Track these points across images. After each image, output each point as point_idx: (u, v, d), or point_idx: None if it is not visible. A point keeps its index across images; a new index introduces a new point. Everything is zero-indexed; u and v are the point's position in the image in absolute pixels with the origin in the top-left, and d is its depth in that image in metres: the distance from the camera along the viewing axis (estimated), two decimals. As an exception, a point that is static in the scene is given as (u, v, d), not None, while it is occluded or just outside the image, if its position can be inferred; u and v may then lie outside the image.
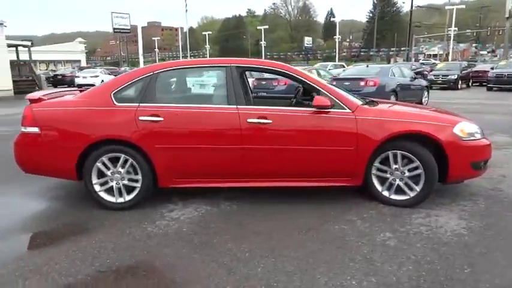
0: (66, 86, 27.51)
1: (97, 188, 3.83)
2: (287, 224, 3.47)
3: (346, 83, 10.29)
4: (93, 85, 25.02)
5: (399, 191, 3.78)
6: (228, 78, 3.78)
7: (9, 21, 21.79)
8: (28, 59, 24.12)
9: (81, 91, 4.32)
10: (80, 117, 3.79)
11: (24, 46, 24.01)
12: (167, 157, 3.75)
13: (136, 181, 3.81)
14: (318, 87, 3.79)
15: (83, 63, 51.65)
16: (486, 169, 4.11)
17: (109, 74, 26.53)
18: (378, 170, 3.81)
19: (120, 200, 3.84)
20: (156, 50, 68.21)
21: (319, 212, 3.71)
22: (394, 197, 3.79)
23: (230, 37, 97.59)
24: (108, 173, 3.79)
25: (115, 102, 3.79)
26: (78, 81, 25.90)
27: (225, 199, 4.07)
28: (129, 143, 3.72)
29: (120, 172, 3.79)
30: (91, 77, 25.59)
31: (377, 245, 3.06)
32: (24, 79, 23.08)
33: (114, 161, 3.79)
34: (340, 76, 12.08)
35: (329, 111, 3.68)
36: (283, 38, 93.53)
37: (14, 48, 23.40)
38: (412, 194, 3.76)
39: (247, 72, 4.79)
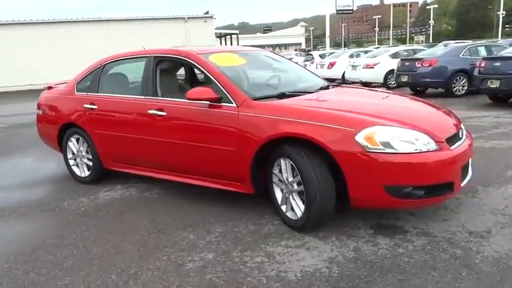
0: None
1: (71, 162, 4.57)
2: (163, 223, 3.35)
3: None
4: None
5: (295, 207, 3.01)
6: (145, 69, 3.81)
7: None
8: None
9: None
10: (56, 103, 4.58)
11: (232, 34, 27.75)
12: (102, 142, 4.13)
13: (91, 160, 4.35)
14: (212, 77, 3.35)
15: (303, 46, 55.40)
16: (435, 199, 2.76)
17: (305, 55, 27.77)
18: (279, 179, 3.12)
19: (84, 175, 4.47)
20: (376, 28, 66.04)
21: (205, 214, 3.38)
22: (288, 214, 3.05)
23: (472, 8, 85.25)
24: (75, 151, 4.47)
25: (75, 91, 4.40)
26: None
27: (162, 187, 4.15)
28: (80, 127, 4.28)
29: (81, 151, 4.41)
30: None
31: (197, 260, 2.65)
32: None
33: (81, 141, 4.41)
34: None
35: (221, 106, 3.23)
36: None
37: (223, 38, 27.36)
38: (299, 215, 2.94)
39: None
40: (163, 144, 3.59)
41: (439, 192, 2.74)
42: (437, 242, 2.72)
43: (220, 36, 30.16)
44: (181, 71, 4.50)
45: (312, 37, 50.69)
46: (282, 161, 2.97)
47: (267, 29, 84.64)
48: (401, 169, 2.62)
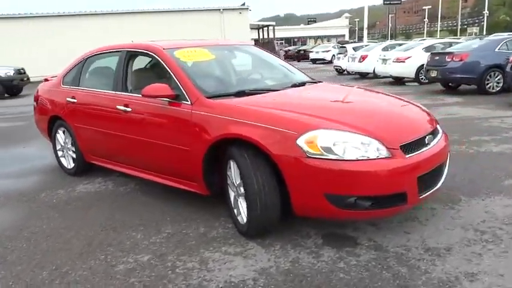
0: (306, 60, 29.97)
1: (59, 154, 4.68)
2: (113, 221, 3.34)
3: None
4: (324, 59, 26.42)
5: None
6: (118, 64, 3.78)
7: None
8: (272, 37, 27.50)
9: None
10: (47, 96, 4.68)
11: (269, 26, 27.47)
12: (81, 135, 4.18)
13: (75, 153, 4.43)
14: (171, 73, 3.25)
15: (346, 38, 53.97)
16: (384, 211, 2.52)
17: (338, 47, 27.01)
18: (232, 181, 2.98)
19: (69, 166, 4.56)
20: (425, 19, 62.92)
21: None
22: (238, 218, 2.91)
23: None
24: (62, 143, 4.57)
25: (61, 84, 4.47)
26: (311, 56, 27.70)
27: (138, 183, 4.14)
28: (64, 120, 4.35)
29: (67, 143, 4.49)
30: (323, 51, 26.80)
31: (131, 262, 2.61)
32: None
33: (66, 134, 4.50)
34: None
35: (180, 103, 3.13)
36: None
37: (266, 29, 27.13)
38: (245, 220, 2.80)
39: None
40: (129, 140, 3.56)
41: (389, 203, 2.49)
42: (385, 258, 2.48)
43: (258, 28, 30.01)
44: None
45: (357, 29, 49.10)
46: (231, 162, 2.83)
47: (311, 20, 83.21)
48: (344, 177, 2.40)
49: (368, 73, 15.47)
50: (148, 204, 3.58)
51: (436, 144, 2.79)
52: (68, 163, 4.56)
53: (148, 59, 3.77)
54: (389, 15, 64.90)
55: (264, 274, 2.38)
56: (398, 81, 13.43)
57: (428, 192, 2.69)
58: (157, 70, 3.38)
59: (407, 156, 2.50)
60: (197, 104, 2.99)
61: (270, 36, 27.96)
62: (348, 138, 2.44)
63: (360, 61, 15.27)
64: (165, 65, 3.31)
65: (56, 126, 4.56)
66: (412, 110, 3.11)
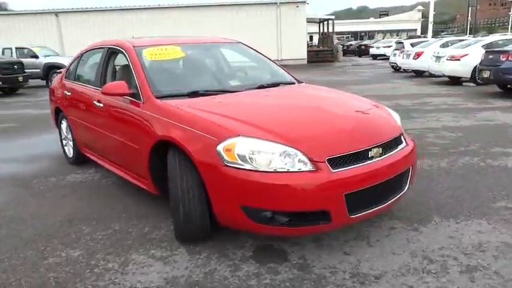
0: (367, 56, 28.81)
1: (64, 143, 4.96)
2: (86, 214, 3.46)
3: None
4: (384, 55, 25.21)
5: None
6: (100, 60, 3.89)
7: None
8: (331, 31, 26.75)
9: None
10: (54, 88, 4.97)
11: (329, 20, 26.72)
12: (74, 127, 4.38)
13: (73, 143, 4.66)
14: (133, 71, 3.25)
15: (418, 32, 50.89)
16: (305, 228, 2.32)
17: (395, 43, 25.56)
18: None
19: (70, 155, 4.82)
20: (511, 12, 57.17)
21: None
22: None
23: None
24: (65, 133, 4.83)
25: (64, 78, 4.71)
26: (371, 51, 26.57)
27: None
28: (63, 112, 4.59)
29: (68, 133, 4.75)
30: (384, 47, 25.58)
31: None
32: (325, 49, 26.08)
33: (66, 124, 4.75)
34: None
35: (136, 102, 3.13)
36: None
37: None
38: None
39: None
40: (101, 134, 3.66)
41: (309, 221, 2.29)
42: (302, 279, 2.29)
43: (319, 21, 29.38)
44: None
45: (431, 22, 45.92)
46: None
47: (383, 13, 79.70)
48: (259, 190, 2.24)
49: (424, 71, 14.45)
50: (116, 198, 3.65)
51: (385, 157, 2.51)
52: (69, 152, 4.81)
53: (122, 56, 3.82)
54: (470, 8, 59.97)
55: (171, 283, 2.31)
56: (455, 80, 12.37)
57: (366, 212, 2.43)
58: (127, 67, 3.41)
59: (334, 170, 2.27)
60: (147, 103, 2.98)
61: (329, 31, 27.19)
62: (267, 148, 2.27)
63: (414, 58, 14.31)
64: (129, 63, 3.34)
65: (60, 117, 4.83)
66: (368, 118, 2.81)
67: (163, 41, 3.67)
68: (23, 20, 22.80)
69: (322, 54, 25.21)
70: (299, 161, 2.25)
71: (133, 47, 3.46)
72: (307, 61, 23.30)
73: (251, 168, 2.24)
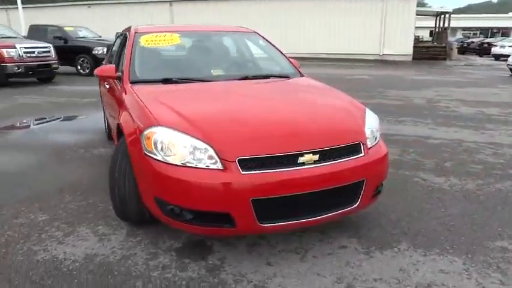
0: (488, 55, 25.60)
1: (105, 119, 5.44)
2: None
3: None
4: (508, 56, 22.07)
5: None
6: (121, 44, 4.12)
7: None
8: (446, 26, 24.23)
9: None
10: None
11: (446, 14, 24.20)
12: (103, 104, 4.77)
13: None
14: (124, 55, 3.39)
15: None
16: (209, 229, 2.20)
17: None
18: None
19: (106, 131, 5.26)
20: None
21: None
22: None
23: None
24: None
25: (106, 60, 5.13)
26: (493, 50, 23.47)
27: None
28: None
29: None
30: (509, 46, 22.33)
31: None
32: (437, 45, 23.79)
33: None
34: None
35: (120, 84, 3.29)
36: None
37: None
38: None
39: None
40: (107, 113, 3.92)
41: (213, 222, 2.17)
42: (201, 281, 2.19)
43: (436, 15, 26.86)
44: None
45: None
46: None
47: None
48: (166, 183, 2.19)
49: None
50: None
51: (320, 166, 2.22)
52: (106, 127, 5.25)
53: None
54: None
55: (86, 260, 2.40)
56: None
57: (284, 223, 2.20)
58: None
59: (243, 172, 2.10)
60: (122, 87, 3.10)
61: (443, 25, 24.59)
62: (180, 140, 2.20)
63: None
64: (125, 48, 3.49)
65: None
66: (315, 122, 2.50)
67: (167, 28, 3.74)
68: (135, 8, 24.77)
69: (432, 50, 22.99)
70: (209, 157, 2.14)
71: (135, 33, 3.60)
72: (413, 57, 21.49)
73: (162, 160, 2.20)
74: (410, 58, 21.51)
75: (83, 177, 3.83)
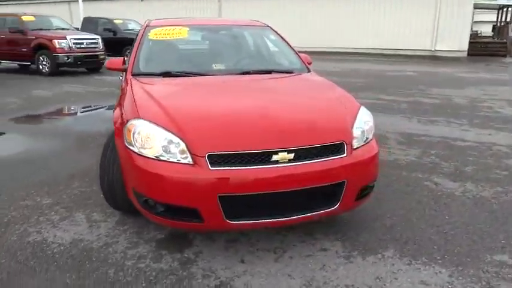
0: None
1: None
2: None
3: None
4: None
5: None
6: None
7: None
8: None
9: None
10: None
11: (509, 6, 22.45)
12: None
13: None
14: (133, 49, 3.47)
15: None
16: (178, 222, 2.20)
17: None
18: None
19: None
20: None
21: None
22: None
23: None
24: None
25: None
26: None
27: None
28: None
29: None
30: None
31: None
32: (497, 41, 22.23)
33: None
34: None
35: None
36: None
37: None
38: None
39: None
40: None
41: (182, 216, 2.18)
42: (170, 274, 2.22)
43: (499, 8, 25.05)
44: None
45: None
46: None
47: None
48: (141, 175, 2.23)
49: None
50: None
51: (295, 165, 2.16)
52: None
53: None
54: None
55: (72, 245, 2.51)
56: None
57: (252, 221, 2.17)
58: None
59: (212, 168, 2.09)
60: (126, 78, 3.17)
61: (506, 19, 22.81)
62: (155, 134, 2.22)
63: None
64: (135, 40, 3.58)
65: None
66: (296, 119, 2.43)
67: (179, 22, 3.78)
68: (184, 3, 25.15)
69: (491, 46, 21.45)
70: (181, 152, 2.15)
71: (146, 26, 3.68)
72: (469, 54, 20.19)
73: (137, 152, 2.24)
74: (465, 54, 20.23)
75: (96, 165, 3.99)
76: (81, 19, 18.60)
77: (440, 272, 2.26)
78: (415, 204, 3.12)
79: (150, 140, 2.22)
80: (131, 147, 2.28)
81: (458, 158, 4.20)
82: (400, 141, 4.83)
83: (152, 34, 3.55)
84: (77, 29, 14.40)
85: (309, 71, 3.50)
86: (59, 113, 6.77)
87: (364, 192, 2.47)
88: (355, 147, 2.38)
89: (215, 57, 3.49)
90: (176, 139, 2.17)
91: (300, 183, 2.17)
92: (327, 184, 2.24)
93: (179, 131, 2.20)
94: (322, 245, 2.52)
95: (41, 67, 11.36)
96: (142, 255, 2.40)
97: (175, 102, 2.54)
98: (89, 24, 15.69)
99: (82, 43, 11.74)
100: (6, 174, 3.71)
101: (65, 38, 11.37)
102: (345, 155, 2.30)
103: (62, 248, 2.48)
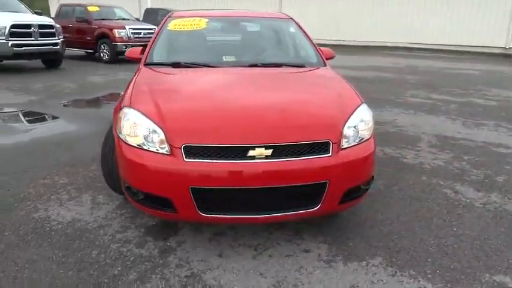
0: None
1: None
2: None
3: None
4: None
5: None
6: None
7: None
8: None
9: None
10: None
11: None
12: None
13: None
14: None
15: None
16: (156, 211, 2.22)
17: None
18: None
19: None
20: None
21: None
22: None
23: None
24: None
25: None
26: None
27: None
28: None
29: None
30: None
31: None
32: None
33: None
34: None
35: None
36: None
37: None
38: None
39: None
40: None
41: (157, 205, 2.22)
42: (146, 260, 2.28)
43: None
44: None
45: None
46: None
47: None
48: (123, 161, 2.31)
49: None
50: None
51: (272, 161, 2.10)
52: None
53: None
54: None
55: (69, 224, 2.67)
56: None
57: (224, 216, 2.16)
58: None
59: (186, 159, 2.10)
60: (139, 68, 3.26)
61: None
62: (139, 123, 2.28)
63: None
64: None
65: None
66: (281, 114, 2.35)
67: (201, 13, 3.82)
68: None
69: None
70: (160, 142, 2.18)
71: (168, 17, 3.75)
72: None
73: (123, 139, 2.31)
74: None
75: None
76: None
77: (424, 287, 2.10)
78: (424, 212, 2.92)
79: (136, 129, 2.28)
80: (120, 135, 2.36)
81: (492, 166, 3.84)
82: (433, 144, 4.52)
83: (171, 25, 3.62)
84: (138, 19, 15.11)
85: (324, 65, 3.38)
86: (103, 99, 7.15)
87: (353, 194, 2.35)
88: (344, 146, 2.26)
89: (228, 49, 3.48)
90: (158, 129, 2.21)
91: (276, 180, 2.12)
92: (306, 184, 2.16)
93: (161, 121, 2.23)
94: (307, 246, 2.45)
95: (102, 55, 12.09)
96: (128, 240, 2.49)
97: (169, 94, 2.58)
98: (150, 15, 16.37)
99: (140, 33, 12.30)
100: (39, 154, 4.00)
101: (124, 28, 11.98)
102: (329, 154, 2.20)
103: (59, 226, 2.64)
